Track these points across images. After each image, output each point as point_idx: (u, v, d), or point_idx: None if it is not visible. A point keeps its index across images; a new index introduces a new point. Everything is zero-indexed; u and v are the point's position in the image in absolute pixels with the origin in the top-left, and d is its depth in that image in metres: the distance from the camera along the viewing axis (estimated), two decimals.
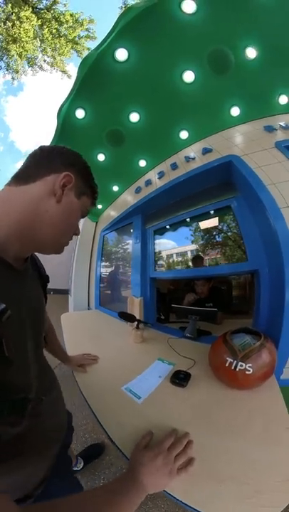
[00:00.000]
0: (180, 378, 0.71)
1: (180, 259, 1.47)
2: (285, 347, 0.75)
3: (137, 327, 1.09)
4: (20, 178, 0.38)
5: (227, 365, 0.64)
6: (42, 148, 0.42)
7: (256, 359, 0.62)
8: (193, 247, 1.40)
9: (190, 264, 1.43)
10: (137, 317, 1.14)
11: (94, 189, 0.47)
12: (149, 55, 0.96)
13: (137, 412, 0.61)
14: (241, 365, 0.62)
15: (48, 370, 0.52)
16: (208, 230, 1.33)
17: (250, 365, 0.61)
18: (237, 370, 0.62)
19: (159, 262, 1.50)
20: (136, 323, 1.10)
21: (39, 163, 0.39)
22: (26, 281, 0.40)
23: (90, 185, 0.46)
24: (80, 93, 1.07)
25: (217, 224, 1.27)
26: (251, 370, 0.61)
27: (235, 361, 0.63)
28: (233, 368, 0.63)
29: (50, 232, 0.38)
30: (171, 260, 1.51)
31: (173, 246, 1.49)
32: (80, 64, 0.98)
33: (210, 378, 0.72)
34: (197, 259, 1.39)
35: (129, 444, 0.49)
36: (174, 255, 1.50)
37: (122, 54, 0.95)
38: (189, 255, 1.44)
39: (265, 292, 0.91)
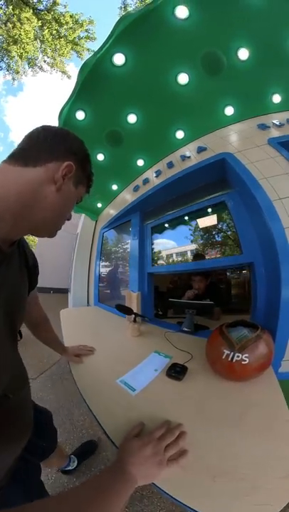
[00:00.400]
0: (176, 371, 0.70)
1: (180, 258, 1.48)
2: (282, 340, 0.75)
3: (134, 320, 1.09)
4: (19, 158, 0.36)
5: (224, 357, 0.64)
6: (45, 129, 0.39)
7: (253, 349, 0.62)
8: (193, 246, 1.41)
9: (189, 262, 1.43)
10: (135, 311, 1.14)
11: (90, 178, 0.47)
12: (145, 59, 1.01)
13: (130, 404, 0.59)
14: (238, 356, 0.61)
15: (20, 366, 0.49)
16: (207, 229, 1.34)
17: (246, 355, 0.61)
18: (234, 361, 0.62)
19: (159, 262, 1.52)
20: (133, 316, 1.10)
21: (41, 147, 0.37)
22: (11, 266, 0.38)
23: (87, 174, 0.45)
24: (80, 96, 1.12)
25: (216, 223, 1.28)
26: (248, 360, 0.61)
27: (232, 353, 0.63)
28: (230, 359, 0.62)
29: (47, 217, 0.38)
30: (170, 260, 1.52)
31: (173, 246, 1.50)
32: (80, 69, 1.03)
33: (207, 372, 0.71)
34: (198, 258, 1.40)
35: (122, 436, 0.47)
36: (174, 255, 1.51)
37: (119, 59, 0.99)
38: (189, 255, 1.44)
39: (261, 286, 0.93)
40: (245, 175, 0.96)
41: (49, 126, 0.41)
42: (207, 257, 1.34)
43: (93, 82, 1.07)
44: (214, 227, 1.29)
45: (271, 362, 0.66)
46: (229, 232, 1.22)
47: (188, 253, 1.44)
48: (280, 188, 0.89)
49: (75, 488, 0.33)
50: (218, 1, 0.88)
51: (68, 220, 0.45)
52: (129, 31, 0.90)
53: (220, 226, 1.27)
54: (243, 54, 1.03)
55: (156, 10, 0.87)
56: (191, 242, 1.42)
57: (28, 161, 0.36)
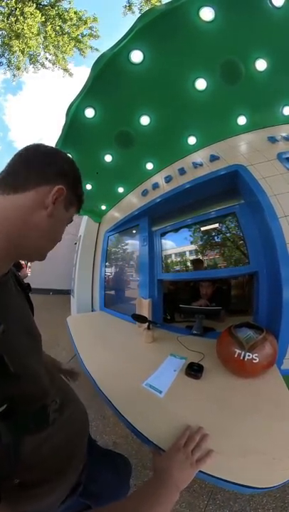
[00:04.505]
0: (195, 370, 0.76)
1: (179, 259, 1.47)
2: (285, 340, 0.81)
3: (148, 327, 1.10)
4: (8, 184, 0.33)
5: (236, 356, 0.70)
6: (35, 149, 0.37)
7: (261, 349, 0.69)
8: (192, 247, 1.41)
9: (188, 264, 1.42)
10: (147, 318, 1.15)
11: (81, 198, 0.44)
12: (163, 59, 0.93)
13: (162, 407, 0.63)
14: (249, 355, 0.68)
15: (54, 373, 0.50)
16: (207, 231, 1.34)
17: (256, 354, 0.68)
18: (245, 360, 0.68)
19: (170, 268, 1.49)
20: (147, 324, 1.11)
21: (30, 170, 0.35)
22: (11, 291, 0.37)
23: (78, 195, 0.42)
24: (91, 92, 1.02)
25: (217, 225, 1.28)
26: (258, 359, 0.67)
27: (243, 352, 0.69)
28: (241, 358, 0.69)
29: (39, 244, 0.37)
30: (169, 260, 1.51)
31: (171, 246, 1.49)
32: (95, 62, 0.92)
33: (219, 369, 0.77)
34: (196, 262, 1.39)
35: (168, 441, 0.51)
36: (173, 255, 1.49)
37: (137, 56, 0.91)
38: (188, 255, 1.44)
39: (263, 291, 0.96)
40: (258, 191, 0.97)
41: (38, 146, 0.37)
42: (206, 258, 1.34)
43: (107, 77, 0.97)
44: (214, 229, 1.30)
45: (276, 360, 0.73)
46: (228, 234, 1.23)
47: (187, 253, 1.44)
48: (287, 205, 0.92)
49: (122, 501, 0.37)
50: (244, 8, 0.83)
51: (59, 241, 0.43)
52: (151, 28, 0.82)
53: (219, 227, 1.28)
54: (261, 65, 0.99)
55: (180, 8, 0.80)
56: (191, 243, 1.40)
57: (18, 188, 0.33)
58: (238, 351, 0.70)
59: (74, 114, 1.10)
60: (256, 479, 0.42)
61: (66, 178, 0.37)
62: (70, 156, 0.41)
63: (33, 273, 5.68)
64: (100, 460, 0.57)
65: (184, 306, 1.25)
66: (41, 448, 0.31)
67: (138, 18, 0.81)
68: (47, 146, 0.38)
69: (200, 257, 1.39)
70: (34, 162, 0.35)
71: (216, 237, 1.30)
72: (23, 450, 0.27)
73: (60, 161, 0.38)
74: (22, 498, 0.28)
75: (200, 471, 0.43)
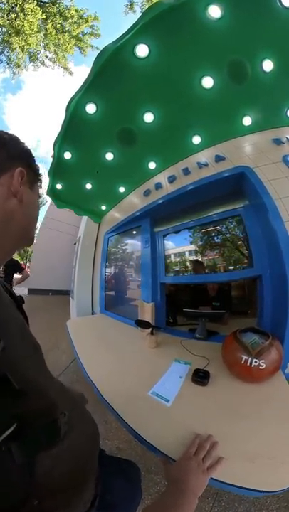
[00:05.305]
0: (201, 376, 0.74)
1: (181, 260, 1.45)
2: None
3: (152, 333, 1.07)
4: None
5: (242, 362, 0.69)
6: None
7: (267, 356, 0.68)
8: (192, 247, 1.39)
9: (189, 266, 1.40)
10: (150, 322, 1.13)
11: (39, 171, 0.42)
12: (170, 55, 0.89)
13: (169, 415, 0.62)
14: (255, 362, 0.67)
15: (62, 384, 0.47)
16: (207, 232, 1.32)
17: (263, 360, 0.67)
18: (252, 366, 0.67)
19: (172, 271, 1.46)
20: (150, 329, 1.08)
21: None
22: (6, 303, 0.36)
23: (36, 170, 0.41)
24: (92, 86, 0.97)
25: (218, 226, 1.26)
26: (264, 365, 0.67)
27: (250, 358, 0.68)
28: (248, 364, 0.68)
29: (22, 232, 0.36)
30: (171, 262, 1.48)
31: (174, 248, 1.47)
32: (98, 55, 0.88)
33: (225, 375, 0.76)
34: (198, 264, 1.37)
35: (178, 450, 0.50)
36: (174, 257, 1.47)
37: (142, 50, 0.87)
38: (187, 255, 1.43)
39: (268, 295, 0.94)
40: (264, 194, 0.96)
41: None
42: (205, 259, 1.33)
43: (110, 71, 0.92)
44: (214, 229, 1.28)
45: (281, 365, 0.72)
46: (228, 235, 1.21)
47: (187, 253, 1.42)
48: None
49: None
50: (252, 7, 0.80)
51: (37, 219, 0.43)
52: (158, 21, 0.79)
53: (219, 228, 1.26)
54: (268, 65, 0.97)
55: (188, 3, 0.76)
56: (190, 243, 1.39)
57: None
58: (244, 357, 0.70)
59: (74, 110, 1.05)
60: (265, 483, 0.43)
61: (20, 159, 0.36)
62: (13, 134, 0.38)
63: (33, 273, 5.62)
64: (111, 469, 0.55)
65: (188, 310, 1.21)
66: (56, 464, 0.29)
67: (145, 10, 0.77)
68: None
69: (203, 258, 1.36)
70: None
71: (217, 238, 1.29)
72: (38, 469, 0.26)
73: (7, 143, 0.36)
74: None
75: (211, 478, 0.43)
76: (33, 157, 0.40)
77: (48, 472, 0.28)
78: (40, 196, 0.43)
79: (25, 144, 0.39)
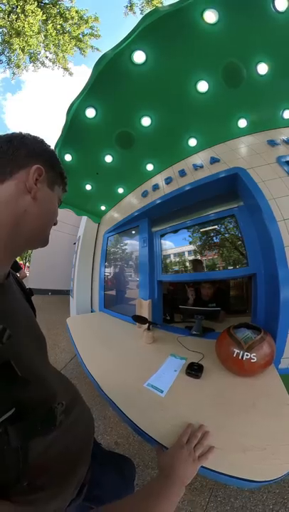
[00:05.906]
0: (195, 369, 0.76)
1: (178, 259, 1.47)
2: (282, 340, 0.82)
3: (148, 328, 1.10)
4: None
5: (234, 355, 0.71)
6: None
7: (259, 349, 0.70)
8: (192, 247, 1.41)
9: (187, 265, 1.42)
10: (147, 319, 1.15)
11: (63, 175, 0.42)
12: (166, 60, 0.92)
13: (163, 405, 0.64)
14: (247, 355, 0.69)
15: (62, 375, 0.50)
16: (206, 232, 1.34)
17: (254, 354, 0.69)
18: (244, 359, 0.69)
19: (169, 269, 1.47)
20: (147, 324, 1.11)
21: (1, 159, 0.33)
22: (15, 295, 0.37)
23: (59, 172, 0.41)
24: (92, 91, 1.00)
25: (216, 226, 1.28)
26: (255, 358, 0.69)
27: (241, 352, 0.70)
28: (240, 357, 0.70)
29: (35, 230, 0.35)
30: (169, 261, 1.50)
31: (171, 247, 1.49)
32: (97, 61, 0.91)
33: (219, 369, 0.79)
34: (197, 263, 1.39)
35: (170, 438, 0.52)
36: (173, 256, 1.49)
37: (139, 56, 0.89)
38: (187, 255, 1.44)
39: (261, 292, 0.97)
40: (258, 194, 0.97)
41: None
42: (204, 258, 1.35)
43: (109, 77, 0.95)
44: (213, 229, 1.30)
45: (273, 360, 0.74)
46: (227, 235, 1.23)
47: (186, 253, 1.44)
48: (285, 209, 0.92)
49: (128, 497, 0.37)
50: (247, 12, 0.82)
51: (55, 225, 0.42)
52: (154, 28, 0.81)
53: (218, 228, 1.28)
54: (263, 69, 0.99)
55: (184, 10, 0.79)
56: (190, 243, 1.40)
57: None
58: (236, 351, 0.71)
59: (74, 114, 1.08)
60: (257, 473, 0.44)
61: (40, 158, 0.36)
62: (38, 136, 0.38)
63: (32, 273, 5.62)
64: (105, 463, 0.56)
65: (184, 306, 1.25)
66: (48, 450, 0.31)
67: (141, 18, 0.80)
68: (7, 134, 0.36)
69: (199, 257, 1.38)
70: (2, 152, 0.33)
71: (214, 238, 1.31)
72: (31, 453, 0.27)
73: (28, 142, 0.36)
74: (29, 501, 0.28)
75: (202, 467, 0.44)
76: (57, 159, 0.40)
77: (40, 457, 0.29)
78: (60, 201, 0.42)
79: (51, 148, 0.39)
